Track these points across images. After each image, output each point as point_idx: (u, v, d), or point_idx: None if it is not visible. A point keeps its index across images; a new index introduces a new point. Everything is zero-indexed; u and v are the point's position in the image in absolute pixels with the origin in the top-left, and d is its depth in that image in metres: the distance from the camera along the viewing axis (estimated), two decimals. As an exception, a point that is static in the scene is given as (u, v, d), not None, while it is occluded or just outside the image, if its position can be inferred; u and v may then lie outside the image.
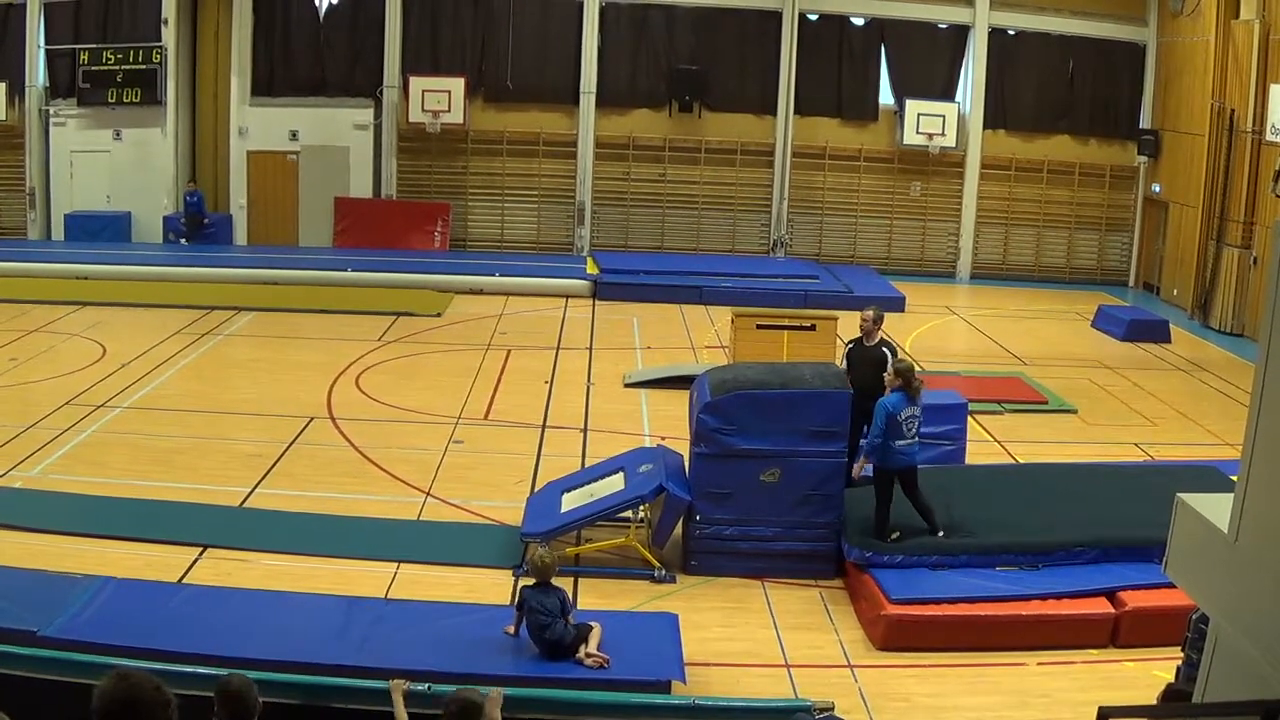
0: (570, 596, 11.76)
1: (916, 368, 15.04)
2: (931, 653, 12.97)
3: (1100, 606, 13.47)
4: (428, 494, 17.06)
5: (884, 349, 16.27)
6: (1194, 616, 9.43)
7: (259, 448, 18.60)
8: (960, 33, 36.48)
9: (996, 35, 36.27)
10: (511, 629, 11.82)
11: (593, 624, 11.75)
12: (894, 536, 14.22)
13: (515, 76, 35.92)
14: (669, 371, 23.22)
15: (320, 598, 13.09)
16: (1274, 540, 5.90)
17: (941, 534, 14.34)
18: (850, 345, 16.83)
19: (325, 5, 35.31)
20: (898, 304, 30.93)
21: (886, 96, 36.79)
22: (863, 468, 14.63)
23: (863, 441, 14.77)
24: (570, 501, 15.22)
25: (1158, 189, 35.58)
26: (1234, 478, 6.58)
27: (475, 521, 16.20)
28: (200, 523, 15.51)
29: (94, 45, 34.55)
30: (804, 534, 14.65)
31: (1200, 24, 32.69)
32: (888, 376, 14.76)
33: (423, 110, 35.23)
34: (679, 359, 25.11)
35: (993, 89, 36.47)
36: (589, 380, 23.53)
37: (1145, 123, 36.32)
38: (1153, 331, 29.25)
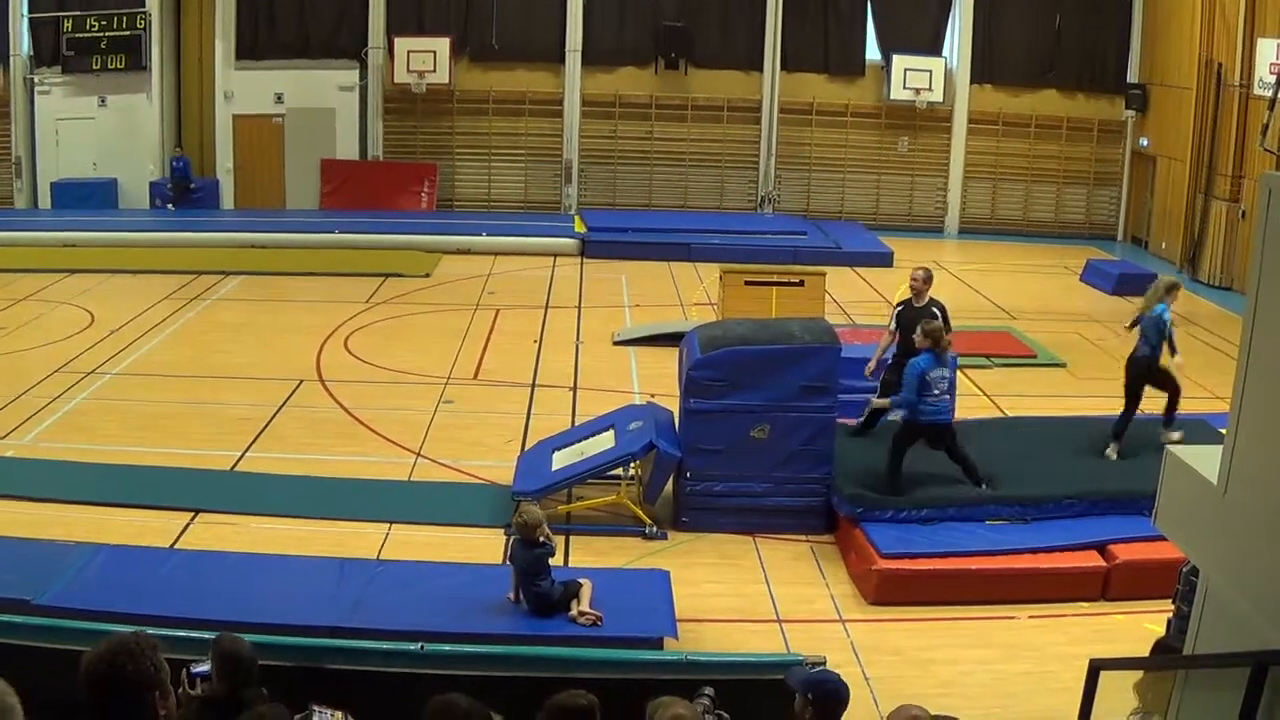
0: (551, 554, 11.73)
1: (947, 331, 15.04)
2: (922, 607, 13.02)
3: (1091, 560, 13.53)
4: (418, 454, 17.08)
5: (934, 309, 16.12)
6: (1184, 569, 9.47)
7: (249, 411, 18.61)
8: (946, -14, 36.38)
9: (983, -12, 36.15)
10: (512, 595, 11.84)
11: (583, 581, 11.78)
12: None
13: (500, 36, 35.75)
14: (658, 329, 23.20)
15: (313, 560, 13.12)
16: (1263, 492, 5.92)
17: (985, 486, 14.43)
18: (899, 307, 16.65)
19: (309, -34, 35.11)
20: (886, 259, 30.96)
21: (873, 52, 36.65)
22: (886, 409, 14.75)
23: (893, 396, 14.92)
24: (561, 460, 15.24)
25: (1145, 143, 35.53)
26: (1223, 430, 6.58)
27: (466, 481, 16.23)
28: (192, 488, 15.53)
29: (78, 12, 34.29)
30: (794, 489, 14.69)
31: (1187, -24, 32.60)
32: (916, 337, 14.76)
33: (408, 71, 35.05)
34: (668, 316, 25.07)
35: (980, 43, 36.33)
36: (578, 339, 23.53)
37: (1133, 77, 36.20)
38: (1141, 285, 28.71)
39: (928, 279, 16.54)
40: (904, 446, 14.46)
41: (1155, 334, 15.85)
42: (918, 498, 14.26)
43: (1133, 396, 15.90)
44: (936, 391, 14.29)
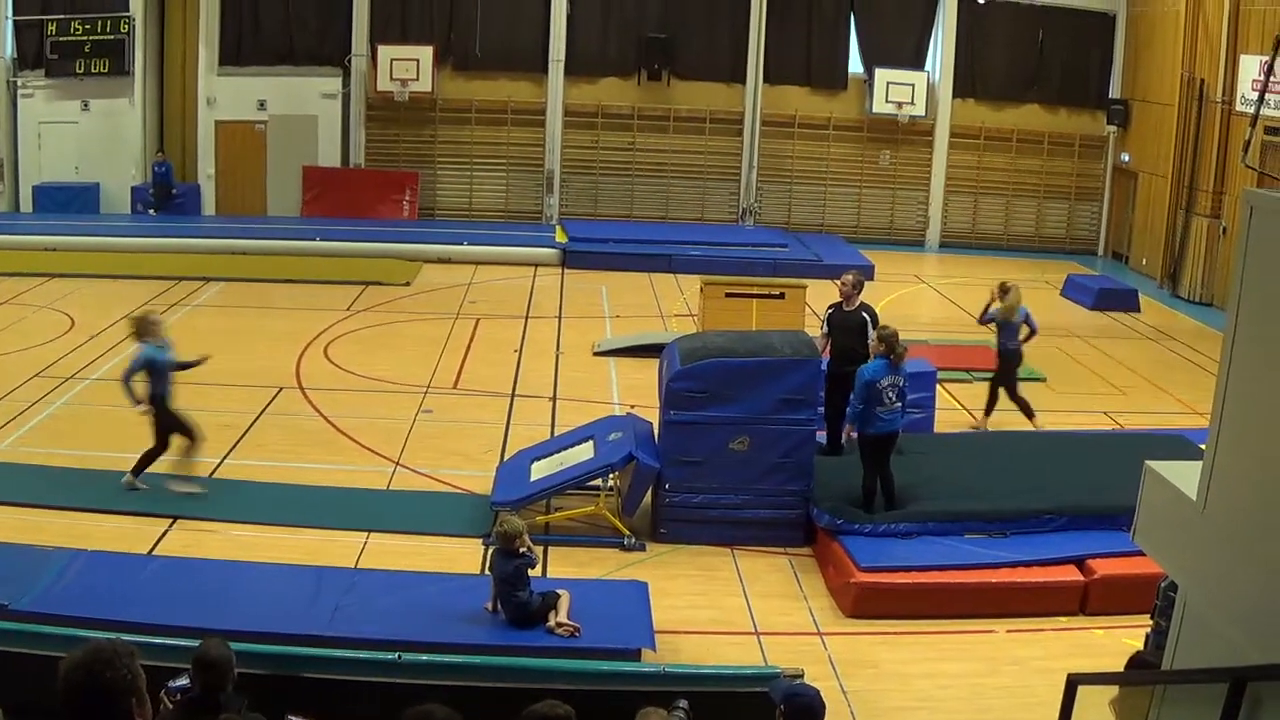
0: (531, 565, 11.70)
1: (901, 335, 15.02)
2: (901, 620, 13.02)
3: (1069, 574, 13.55)
4: (397, 463, 17.05)
5: (864, 314, 16.34)
6: (1163, 584, 9.49)
7: (228, 418, 18.52)
8: (930, 0, 36.44)
9: (966, 3, 36.16)
10: (489, 605, 11.81)
11: (561, 592, 11.76)
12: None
13: (484, 45, 35.75)
14: (638, 340, 23.21)
15: (290, 568, 13.08)
16: (1242, 507, 5.94)
17: (887, 511, 14.40)
18: (830, 310, 16.85)
19: (293, -27, 35.09)
20: (867, 272, 30.93)
21: (856, 65, 36.73)
22: (850, 433, 14.73)
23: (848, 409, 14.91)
24: (540, 470, 15.22)
25: (1127, 158, 35.66)
26: (1202, 446, 6.60)
27: (445, 490, 16.20)
28: (170, 494, 15.45)
29: (62, 16, 34.17)
30: (773, 502, 14.68)
31: (1170, -6, 32.74)
32: (871, 343, 14.80)
33: (391, 79, 35.05)
34: (648, 327, 25.08)
35: (962, 58, 36.44)
36: (558, 349, 23.50)
37: (1115, 92, 36.39)
38: (1122, 300, 29.34)
39: (857, 284, 16.81)
40: (871, 461, 14.44)
41: None
42: (895, 512, 14.27)
43: None
44: (887, 401, 14.27)
